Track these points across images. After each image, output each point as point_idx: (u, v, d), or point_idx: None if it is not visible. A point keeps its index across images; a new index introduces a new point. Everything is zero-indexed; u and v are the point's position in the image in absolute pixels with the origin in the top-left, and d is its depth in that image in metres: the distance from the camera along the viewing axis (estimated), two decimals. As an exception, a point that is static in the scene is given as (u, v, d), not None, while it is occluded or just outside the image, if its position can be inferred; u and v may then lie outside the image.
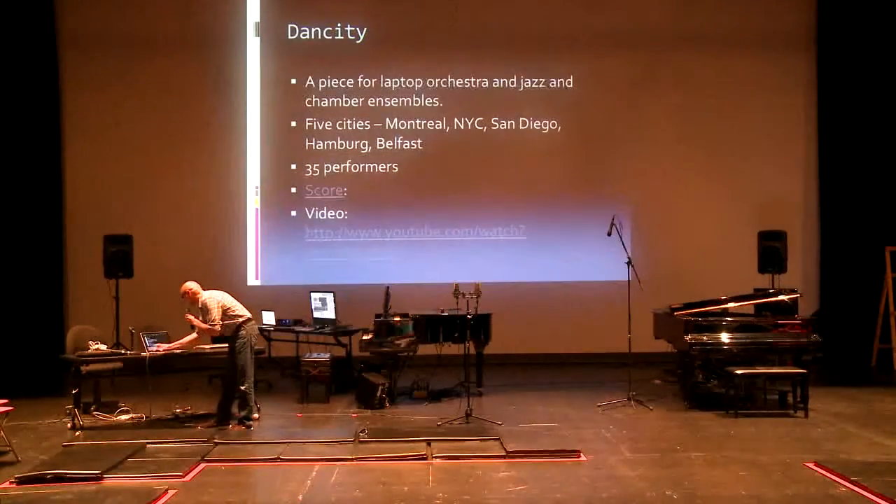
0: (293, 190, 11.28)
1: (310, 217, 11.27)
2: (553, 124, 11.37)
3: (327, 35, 11.29)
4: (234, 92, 11.21)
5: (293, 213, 11.27)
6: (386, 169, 11.32)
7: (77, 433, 7.29)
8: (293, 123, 11.31)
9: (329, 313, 9.45)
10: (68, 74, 11.12)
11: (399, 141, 11.34)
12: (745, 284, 9.72)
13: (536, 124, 11.37)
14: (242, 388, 7.49)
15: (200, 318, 7.51)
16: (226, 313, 7.52)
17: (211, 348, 8.05)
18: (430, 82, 11.32)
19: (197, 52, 11.16)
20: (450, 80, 11.32)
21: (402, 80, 11.32)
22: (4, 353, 10.36)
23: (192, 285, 7.66)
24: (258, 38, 11.24)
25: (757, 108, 11.44)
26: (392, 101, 11.31)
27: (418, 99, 11.33)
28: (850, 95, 11.22)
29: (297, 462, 6.34)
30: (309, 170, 11.28)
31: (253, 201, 11.25)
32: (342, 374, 9.13)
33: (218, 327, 7.48)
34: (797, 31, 11.47)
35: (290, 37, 11.29)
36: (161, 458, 6.44)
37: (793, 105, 11.51)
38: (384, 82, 11.33)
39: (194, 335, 7.63)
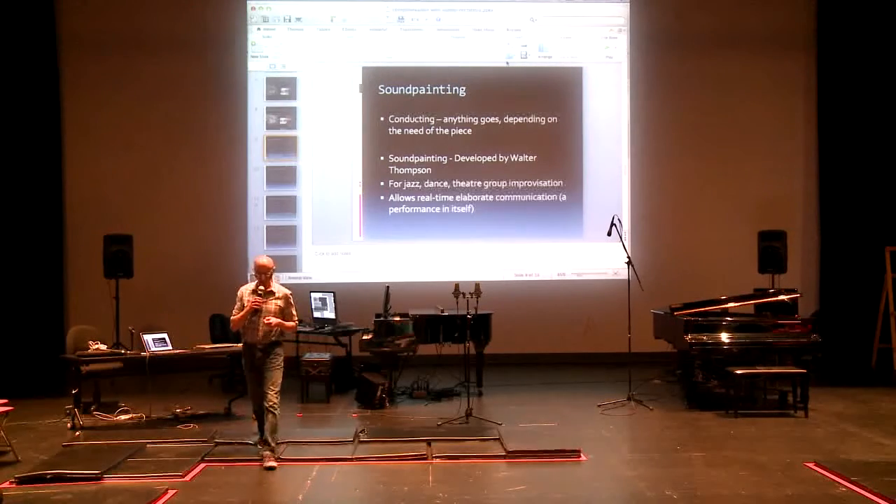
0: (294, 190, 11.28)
1: (312, 216, 11.26)
2: (553, 119, 11.38)
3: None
4: (234, 91, 11.19)
5: (296, 212, 11.26)
6: (386, 169, 11.35)
7: (77, 433, 7.29)
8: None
9: (329, 313, 9.45)
10: (68, 74, 11.10)
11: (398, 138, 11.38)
12: (745, 284, 9.72)
13: (536, 119, 11.37)
14: (277, 411, 6.43)
15: (275, 306, 6.52)
16: None
17: (211, 348, 8.03)
18: (423, 86, 11.37)
19: (197, 52, 11.13)
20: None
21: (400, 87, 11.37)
22: (4, 353, 10.35)
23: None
24: (258, 37, 11.22)
25: (757, 108, 11.43)
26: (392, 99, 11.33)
27: (417, 99, 11.36)
28: (850, 96, 11.20)
29: (297, 462, 6.34)
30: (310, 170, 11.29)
31: (254, 201, 11.24)
32: (342, 374, 9.14)
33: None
34: (797, 31, 11.46)
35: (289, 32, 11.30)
36: (161, 458, 6.45)
37: (793, 105, 11.50)
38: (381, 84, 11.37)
39: (295, 323, 6.72)
